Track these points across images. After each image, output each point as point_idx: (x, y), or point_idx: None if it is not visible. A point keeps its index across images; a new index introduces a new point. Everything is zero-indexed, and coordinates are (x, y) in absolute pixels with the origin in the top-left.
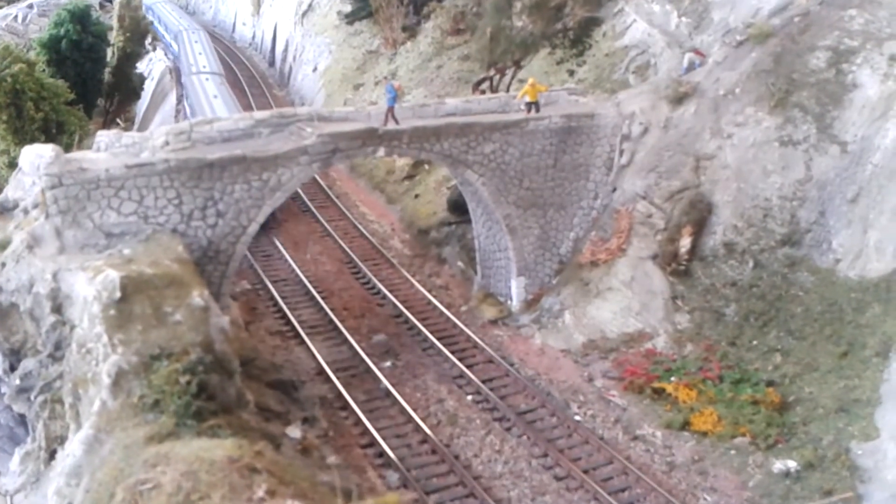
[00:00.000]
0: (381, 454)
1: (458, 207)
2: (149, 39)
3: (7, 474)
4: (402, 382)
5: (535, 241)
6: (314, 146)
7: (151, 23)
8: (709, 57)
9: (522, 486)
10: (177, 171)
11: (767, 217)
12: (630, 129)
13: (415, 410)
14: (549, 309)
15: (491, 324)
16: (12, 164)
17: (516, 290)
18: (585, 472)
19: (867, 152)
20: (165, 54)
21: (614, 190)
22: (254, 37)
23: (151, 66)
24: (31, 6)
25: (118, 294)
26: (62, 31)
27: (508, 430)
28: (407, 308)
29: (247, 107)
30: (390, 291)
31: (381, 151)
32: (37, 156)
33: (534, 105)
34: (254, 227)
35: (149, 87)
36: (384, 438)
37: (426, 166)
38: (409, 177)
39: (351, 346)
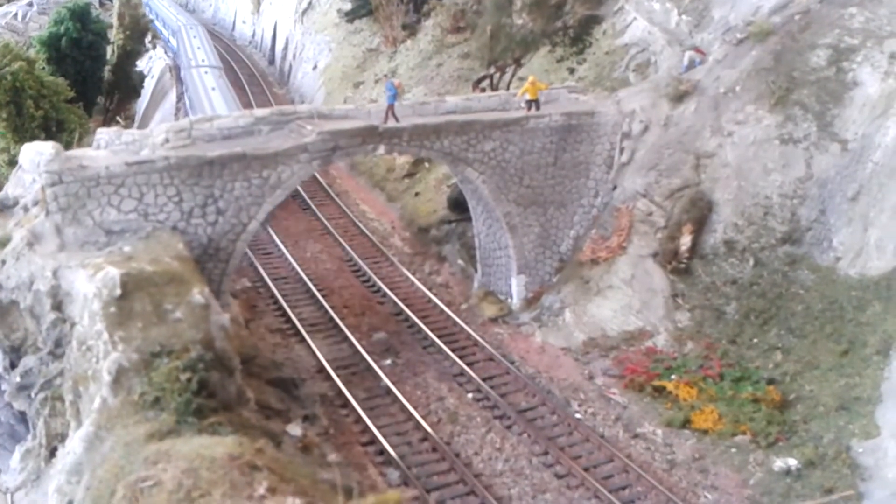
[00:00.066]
0: (382, 452)
1: (459, 205)
2: (149, 37)
3: (7, 472)
4: (403, 380)
5: (535, 239)
6: (314, 144)
7: (151, 21)
8: (709, 55)
9: (523, 484)
10: (177, 168)
11: (768, 215)
12: (630, 127)
13: (415, 408)
14: (550, 307)
15: (491, 322)
16: (12, 162)
17: (517, 288)
18: (586, 469)
19: (868, 150)
20: (165, 52)
21: (615, 188)
22: (254, 35)
23: (151, 63)
24: (31, 4)
25: (118, 291)
26: (62, 28)
27: (509, 427)
28: (407, 306)
29: (247, 105)
30: (390, 289)
31: (382, 149)
32: (37, 153)
33: (534, 103)
34: (254, 225)
35: (149, 85)
36: (385, 436)
37: (426, 164)
38: (410, 175)
39: (351, 344)
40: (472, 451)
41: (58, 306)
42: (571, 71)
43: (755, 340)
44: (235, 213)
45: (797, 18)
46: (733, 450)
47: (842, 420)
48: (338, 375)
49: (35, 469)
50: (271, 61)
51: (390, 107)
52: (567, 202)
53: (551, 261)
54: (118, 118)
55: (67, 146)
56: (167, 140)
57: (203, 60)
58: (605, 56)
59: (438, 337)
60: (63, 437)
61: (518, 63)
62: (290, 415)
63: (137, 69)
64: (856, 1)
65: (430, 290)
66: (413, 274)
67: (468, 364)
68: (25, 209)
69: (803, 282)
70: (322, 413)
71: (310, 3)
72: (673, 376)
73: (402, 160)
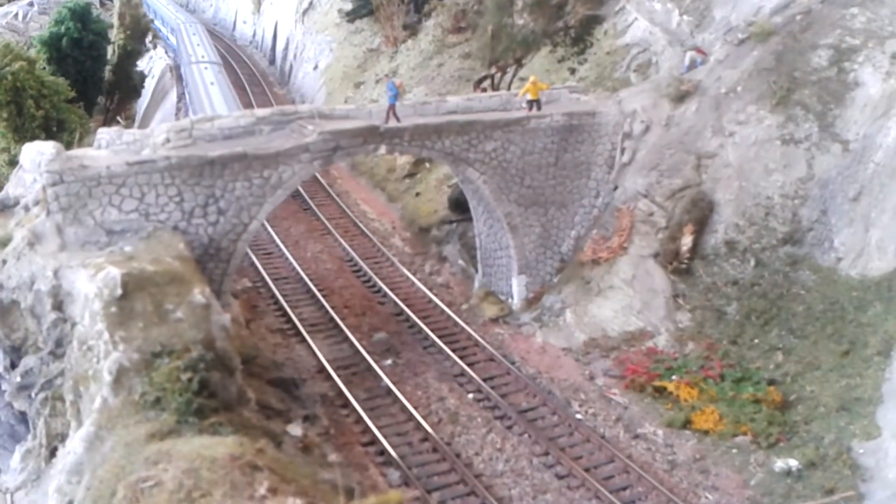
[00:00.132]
0: (383, 452)
1: (459, 205)
2: (149, 37)
3: (8, 472)
4: (403, 380)
5: (536, 240)
6: (315, 144)
7: (151, 20)
8: (710, 55)
9: (524, 485)
10: (178, 168)
11: (769, 215)
12: (631, 128)
13: (416, 408)
14: (551, 307)
15: (492, 322)
16: (13, 162)
17: (517, 289)
18: (587, 470)
19: (869, 151)
20: (166, 52)
21: (616, 188)
22: (254, 35)
23: (152, 63)
24: (31, 4)
25: (119, 291)
26: (63, 28)
27: (509, 428)
28: (408, 306)
29: (248, 105)
30: (391, 289)
31: (383, 149)
32: (38, 153)
33: (535, 103)
34: (255, 225)
35: (149, 85)
36: (385, 436)
37: (427, 164)
38: (410, 175)
39: (352, 344)
40: (472, 452)
41: (58, 306)
42: (572, 71)
43: (756, 341)
44: (236, 212)
45: (798, 19)
46: (734, 450)
47: (843, 421)
48: (338, 375)
49: (35, 469)
50: (272, 61)
51: (391, 107)
52: (568, 202)
53: (552, 261)
54: (119, 118)
55: (68, 146)
56: (168, 140)
57: (202, 56)
58: (606, 56)
59: (439, 337)
60: (63, 437)
61: (519, 63)
62: (291, 415)
63: (138, 69)
64: (857, 1)
65: (430, 290)
66: (414, 274)
67: (469, 364)
68: (26, 209)
69: (804, 282)
70: (323, 413)
71: (310, 3)
72: (674, 377)
73: (403, 160)
